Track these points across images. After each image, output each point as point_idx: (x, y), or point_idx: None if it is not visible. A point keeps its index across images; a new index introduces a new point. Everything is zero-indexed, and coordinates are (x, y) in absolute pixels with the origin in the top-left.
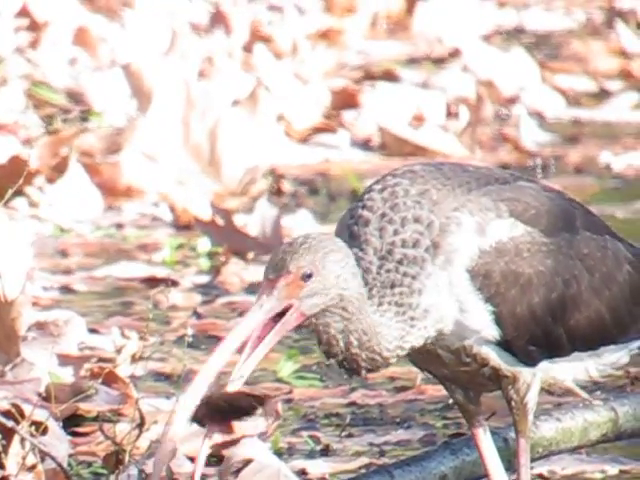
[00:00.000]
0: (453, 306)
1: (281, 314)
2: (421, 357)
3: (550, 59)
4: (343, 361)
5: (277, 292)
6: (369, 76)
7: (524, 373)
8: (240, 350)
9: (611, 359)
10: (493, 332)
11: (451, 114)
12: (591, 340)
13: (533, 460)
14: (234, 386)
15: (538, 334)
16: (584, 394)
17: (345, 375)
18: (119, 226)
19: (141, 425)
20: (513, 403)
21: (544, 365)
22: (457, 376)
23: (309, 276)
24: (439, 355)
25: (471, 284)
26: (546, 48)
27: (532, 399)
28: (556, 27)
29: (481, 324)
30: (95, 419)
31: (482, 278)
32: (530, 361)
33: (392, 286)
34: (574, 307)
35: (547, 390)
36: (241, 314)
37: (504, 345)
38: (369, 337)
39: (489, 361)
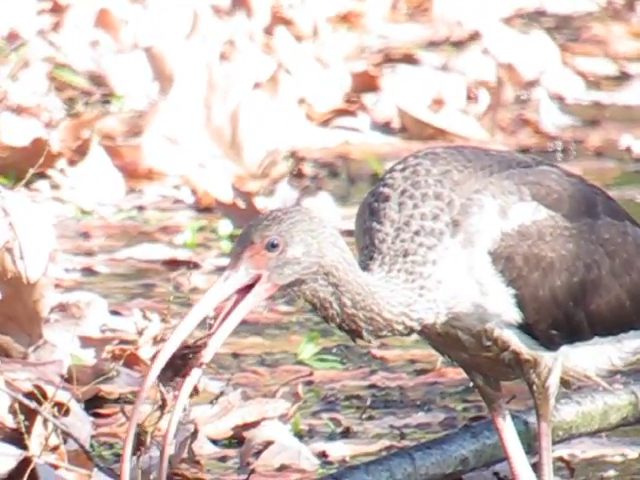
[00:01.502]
0: (473, 287)
1: (251, 286)
2: (441, 340)
3: (571, 42)
4: (342, 323)
5: (242, 264)
6: (389, 59)
7: (545, 357)
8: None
9: (633, 346)
10: (514, 315)
11: (471, 97)
12: (611, 325)
13: (553, 443)
14: (204, 360)
15: (559, 318)
16: (604, 384)
17: (351, 338)
18: (140, 208)
19: (162, 407)
20: (535, 387)
21: (565, 350)
22: (477, 362)
23: (274, 246)
24: (460, 339)
25: (493, 267)
26: (567, 31)
27: (554, 383)
28: (577, 10)
29: (502, 307)
30: (117, 401)
31: (504, 261)
32: (551, 345)
33: (405, 255)
34: (595, 292)
35: (564, 383)
36: None
37: (525, 329)
38: (363, 297)
39: (510, 345)
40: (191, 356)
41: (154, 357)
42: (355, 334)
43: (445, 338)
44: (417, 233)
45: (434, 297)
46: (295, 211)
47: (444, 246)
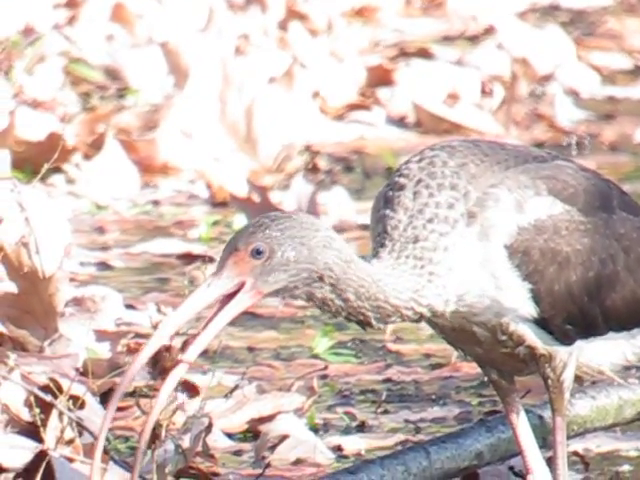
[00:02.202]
0: (486, 279)
1: (236, 293)
2: (456, 335)
3: (585, 36)
4: (349, 315)
5: (226, 270)
6: (404, 54)
7: (560, 352)
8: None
9: None
10: (530, 310)
11: (486, 92)
12: (626, 320)
13: (568, 438)
14: (187, 358)
15: (575, 312)
16: (618, 379)
17: (361, 327)
18: (155, 203)
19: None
20: (550, 382)
21: (580, 344)
22: (492, 357)
23: (259, 252)
24: (475, 333)
25: (509, 261)
26: (581, 25)
27: (568, 377)
28: (591, 4)
29: (518, 302)
30: (132, 394)
31: (521, 255)
32: (566, 340)
33: (415, 241)
34: (610, 286)
35: (576, 378)
36: None
37: (541, 323)
38: (367, 288)
39: (525, 340)
40: (175, 354)
41: (135, 354)
42: (364, 323)
43: (460, 333)
44: (430, 220)
45: (443, 283)
46: (284, 217)
47: (458, 234)
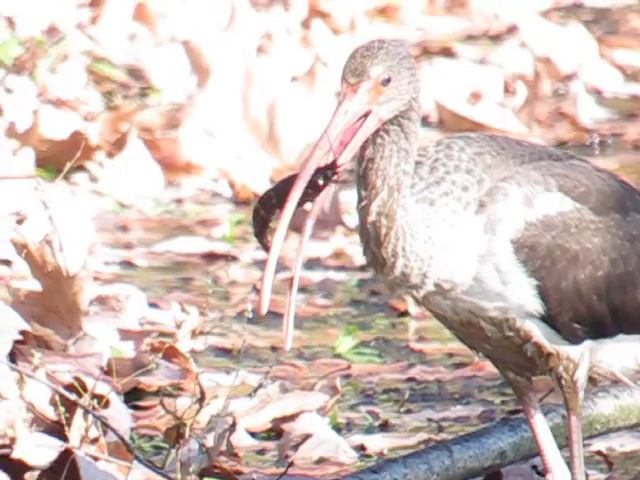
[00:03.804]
0: (491, 275)
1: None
2: (465, 330)
3: (608, 35)
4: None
5: (360, 97)
6: (427, 52)
7: (570, 351)
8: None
9: None
10: (536, 306)
11: (509, 91)
12: (636, 322)
13: (591, 437)
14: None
15: (582, 311)
16: (630, 382)
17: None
18: (179, 202)
19: (201, 399)
20: (563, 381)
21: (589, 344)
22: (500, 354)
23: (388, 81)
24: (482, 328)
25: (515, 256)
26: (604, 24)
27: (581, 377)
28: (615, 2)
29: (524, 297)
30: (156, 393)
31: (528, 250)
32: (574, 339)
33: (431, 204)
34: (620, 287)
35: (590, 377)
36: (302, 289)
37: (548, 320)
38: (392, 185)
39: (532, 336)
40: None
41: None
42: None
43: (468, 328)
44: (446, 194)
45: (431, 255)
46: (401, 46)
47: (467, 218)
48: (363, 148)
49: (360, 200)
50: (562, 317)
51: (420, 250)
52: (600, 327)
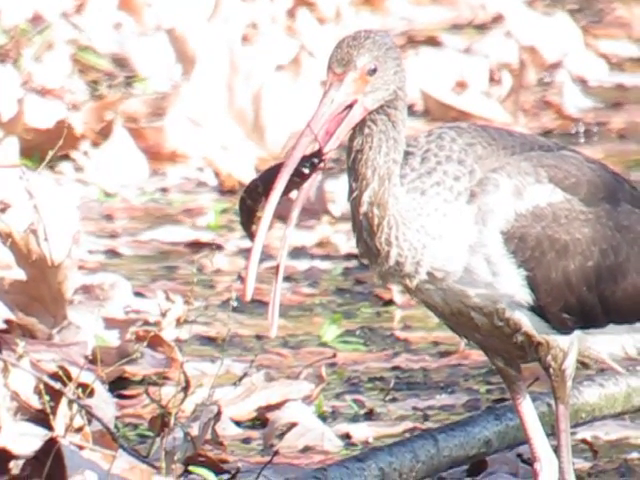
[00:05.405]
0: (481, 266)
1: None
2: (455, 320)
3: (593, 24)
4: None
5: (346, 87)
6: (412, 41)
7: (559, 341)
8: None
9: None
10: (526, 297)
11: (494, 80)
12: (626, 313)
13: (577, 425)
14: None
15: (572, 302)
16: (619, 368)
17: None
18: (164, 191)
19: (186, 388)
20: (551, 370)
21: (579, 334)
22: (491, 343)
23: (374, 71)
24: (472, 318)
25: (505, 247)
26: (589, 13)
27: (570, 366)
28: None
29: (513, 288)
30: (141, 382)
31: (517, 241)
32: (563, 329)
33: (422, 193)
34: (610, 278)
35: (581, 362)
36: (287, 278)
37: (537, 311)
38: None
39: (521, 326)
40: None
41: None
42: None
43: (459, 317)
44: (438, 184)
45: (424, 244)
46: (387, 36)
47: (458, 208)
48: (351, 139)
49: (351, 191)
50: (552, 307)
51: (413, 239)
52: (590, 317)
